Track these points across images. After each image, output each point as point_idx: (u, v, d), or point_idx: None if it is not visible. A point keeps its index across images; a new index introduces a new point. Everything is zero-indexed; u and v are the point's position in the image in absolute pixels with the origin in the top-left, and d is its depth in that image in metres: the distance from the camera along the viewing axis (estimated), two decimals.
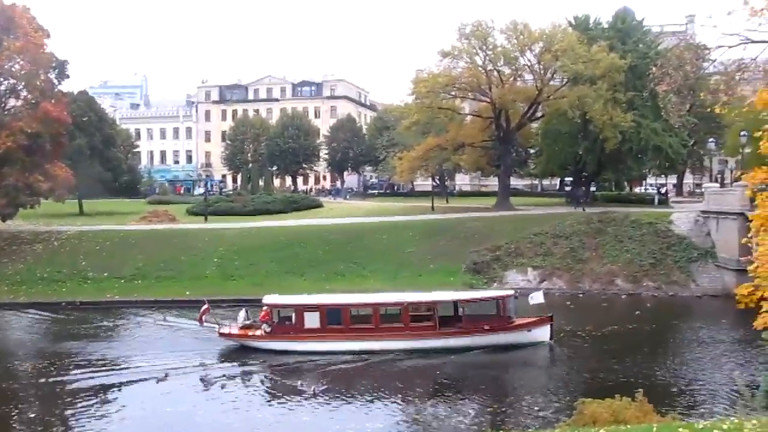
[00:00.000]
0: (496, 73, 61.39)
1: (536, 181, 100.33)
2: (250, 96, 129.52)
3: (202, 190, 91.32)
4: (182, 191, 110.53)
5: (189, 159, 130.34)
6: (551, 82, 62.35)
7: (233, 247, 52.53)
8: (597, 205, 64.50)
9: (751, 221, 17.91)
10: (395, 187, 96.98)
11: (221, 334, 33.50)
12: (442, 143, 63.77)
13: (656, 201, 67.08)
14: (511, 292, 36.02)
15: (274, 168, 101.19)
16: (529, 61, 62.10)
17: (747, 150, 49.15)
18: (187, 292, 45.19)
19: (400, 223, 58.42)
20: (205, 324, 34.15)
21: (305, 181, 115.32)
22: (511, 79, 63.08)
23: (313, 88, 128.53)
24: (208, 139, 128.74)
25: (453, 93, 63.74)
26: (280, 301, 34.79)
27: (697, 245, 48.40)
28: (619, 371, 28.81)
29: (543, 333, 32.80)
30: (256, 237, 54.74)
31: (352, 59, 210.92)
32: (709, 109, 44.18)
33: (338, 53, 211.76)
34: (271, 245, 52.83)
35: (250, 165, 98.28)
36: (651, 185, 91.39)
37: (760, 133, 18.16)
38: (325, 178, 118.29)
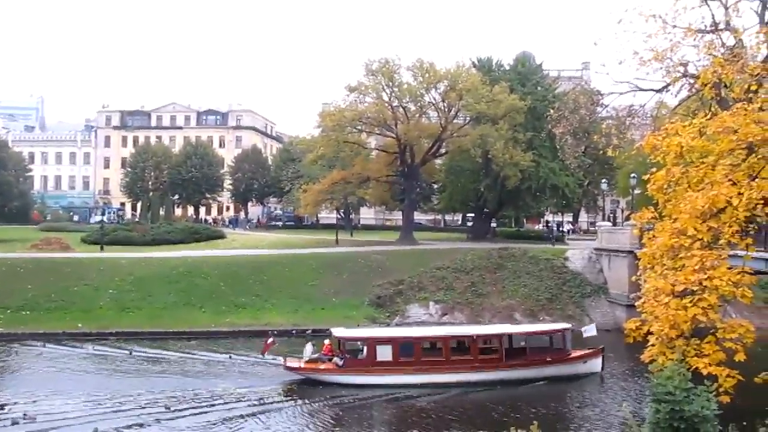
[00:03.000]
0: (401, 109, 62.42)
1: (439, 216, 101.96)
2: (153, 123, 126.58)
3: (99, 218, 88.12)
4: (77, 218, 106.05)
5: (86, 185, 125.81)
6: (455, 120, 63.93)
7: (130, 277, 50.65)
8: (497, 240, 66.10)
9: (639, 259, 18.80)
10: (300, 220, 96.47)
11: (288, 368, 32.59)
12: (348, 177, 64.03)
13: (553, 238, 69.31)
14: (569, 325, 36.65)
15: (176, 197, 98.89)
16: (434, 98, 63.53)
17: (636, 191, 51.69)
18: (79, 324, 43.48)
19: (303, 255, 57.99)
20: (267, 356, 33.73)
21: (208, 212, 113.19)
22: (417, 115, 64.23)
23: (218, 117, 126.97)
24: (107, 166, 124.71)
25: (359, 127, 64.35)
26: (350, 334, 34.74)
27: (590, 281, 50.44)
28: (515, 400, 29.43)
29: (596, 364, 33.39)
30: (155, 267, 53.06)
31: (259, 90, 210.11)
32: (601, 152, 46.41)
33: (245, 83, 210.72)
34: (170, 276, 51.33)
35: (151, 193, 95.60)
36: (548, 223, 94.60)
37: (648, 176, 19.22)
38: (228, 208, 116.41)
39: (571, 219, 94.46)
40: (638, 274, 19.00)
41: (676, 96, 29.10)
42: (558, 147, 49.30)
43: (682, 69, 25.47)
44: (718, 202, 16.60)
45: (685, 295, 15.64)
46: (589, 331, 34.89)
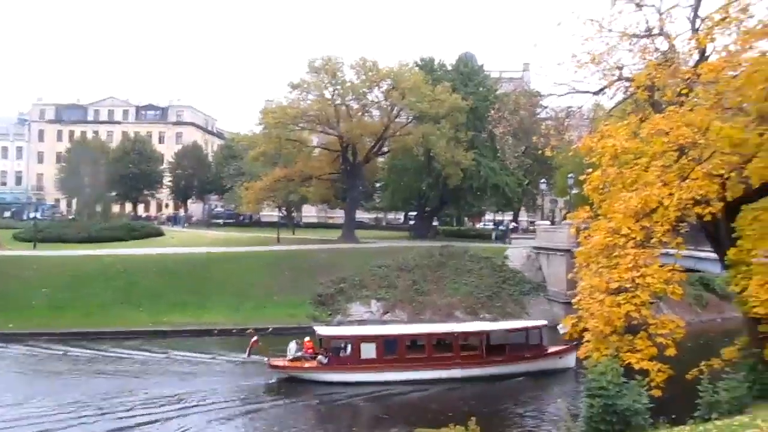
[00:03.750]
0: (344, 107, 62.40)
1: (382, 215, 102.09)
2: (90, 117, 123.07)
3: (32, 215, 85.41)
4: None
5: (18, 181, 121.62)
6: (397, 119, 64.23)
7: (64, 276, 49.32)
8: (439, 239, 66.65)
9: (576, 257, 19.24)
10: (241, 217, 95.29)
11: (272, 366, 32.69)
12: (290, 174, 63.66)
13: (494, 236, 70.24)
14: (545, 321, 37.27)
15: (114, 194, 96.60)
16: (377, 97, 63.73)
17: (574, 191, 52.76)
18: (10, 325, 42.25)
19: (244, 253, 57.50)
20: (251, 356, 33.32)
21: (147, 209, 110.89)
22: (359, 114, 64.34)
23: (158, 112, 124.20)
24: (41, 161, 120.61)
25: (301, 125, 64.00)
26: (334, 333, 35.45)
27: (529, 279, 51.36)
28: (454, 399, 29.79)
29: (571, 359, 33.63)
30: (91, 266, 51.79)
31: (201, 86, 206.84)
32: (540, 152, 47.28)
33: (186, 78, 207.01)
34: (107, 275, 50.20)
35: (87, 190, 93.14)
36: (490, 221, 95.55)
37: (584, 176, 19.68)
38: (167, 205, 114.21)
39: (511, 218, 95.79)
40: (575, 272, 19.42)
41: (612, 98, 29.80)
42: (498, 147, 49.97)
43: (617, 72, 26.00)
44: (650, 202, 17.10)
45: (618, 293, 16.07)
46: (564, 327, 35.67)
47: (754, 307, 15.82)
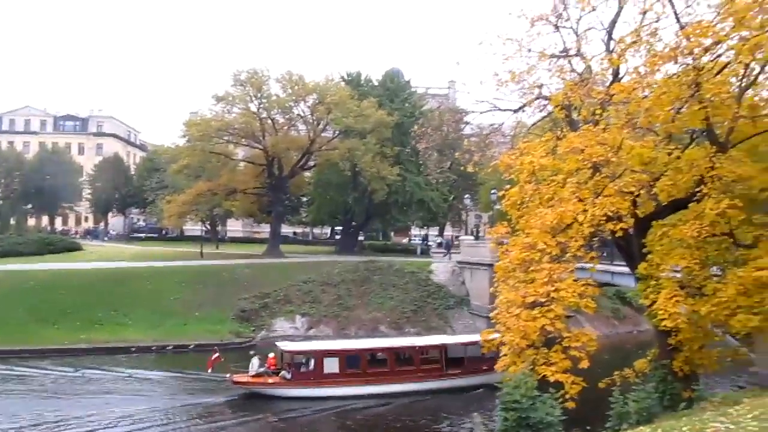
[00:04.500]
0: (270, 121, 61.97)
1: (309, 229, 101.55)
2: (5, 127, 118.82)
3: None
4: None
5: None
6: (323, 134, 64.16)
7: None
8: (366, 253, 66.67)
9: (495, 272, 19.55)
10: (163, 231, 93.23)
11: (235, 382, 32.18)
12: (214, 188, 62.66)
13: (419, 251, 70.76)
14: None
15: (29, 206, 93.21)
16: (302, 111, 63.58)
17: (497, 206, 53.65)
18: None
19: (166, 268, 56.14)
20: (211, 372, 32.84)
21: (65, 222, 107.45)
22: (285, 127, 64.06)
23: (77, 123, 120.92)
24: None
25: (226, 138, 63.18)
26: (297, 348, 35.16)
27: (453, 293, 51.89)
28: (415, 412, 30.32)
29: None
30: (3, 281, 49.71)
31: (123, 97, 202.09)
32: (461, 168, 48.03)
33: (107, 89, 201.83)
34: (21, 291, 48.13)
35: (1, 202, 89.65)
36: (416, 236, 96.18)
37: (502, 192, 20.06)
38: (87, 219, 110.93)
39: (437, 233, 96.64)
40: (494, 286, 19.72)
41: (531, 116, 30.53)
42: (421, 162, 50.44)
43: (537, 91, 26.64)
44: (565, 218, 17.54)
45: (534, 307, 16.38)
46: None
47: (662, 320, 16.36)
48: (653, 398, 16.07)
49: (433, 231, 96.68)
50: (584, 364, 16.35)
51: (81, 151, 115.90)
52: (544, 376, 16.35)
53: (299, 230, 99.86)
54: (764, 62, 17.06)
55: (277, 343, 36.37)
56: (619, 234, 18.28)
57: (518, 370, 16.36)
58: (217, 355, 33.47)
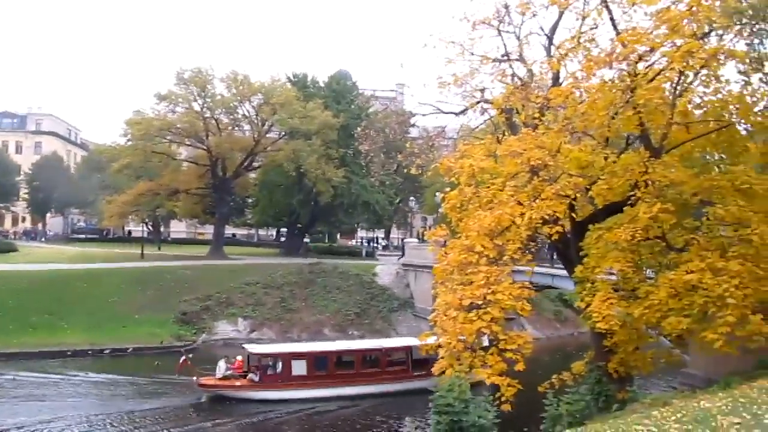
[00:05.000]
0: (213, 121, 61.19)
1: (255, 231, 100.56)
2: None
3: None
4: None
5: None
6: (269, 135, 63.65)
7: None
8: (311, 256, 66.27)
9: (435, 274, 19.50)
10: (105, 233, 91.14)
11: (201, 385, 32.04)
12: (155, 188, 61.54)
13: (364, 253, 70.73)
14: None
15: None
16: (247, 111, 63.00)
17: (441, 209, 53.93)
18: None
19: (104, 270, 54.87)
20: (180, 376, 32.89)
21: (1, 223, 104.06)
22: (230, 128, 63.38)
23: (15, 120, 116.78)
24: None
25: (169, 138, 62.14)
26: (265, 350, 35.08)
27: (398, 296, 51.98)
28: (381, 413, 30.51)
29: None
30: None
31: (63, 94, 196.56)
32: (405, 170, 48.13)
33: (47, 86, 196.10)
34: None
35: None
36: (362, 239, 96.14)
37: (441, 195, 20.05)
38: (24, 219, 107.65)
39: (383, 235, 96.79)
40: (433, 288, 19.70)
41: (475, 120, 30.67)
42: (363, 164, 50.31)
43: (479, 94, 26.76)
44: (503, 221, 17.57)
45: (471, 309, 16.37)
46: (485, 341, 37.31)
47: (596, 322, 16.52)
48: (586, 400, 16.21)
49: (380, 234, 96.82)
50: (520, 366, 16.40)
51: (19, 149, 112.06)
52: (480, 379, 16.37)
53: (244, 232, 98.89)
54: (696, 69, 17.41)
55: (244, 345, 36.38)
56: (555, 237, 18.43)
57: (455, 373, 16.34)
58: (184, 358, 33.28)
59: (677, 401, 13.48)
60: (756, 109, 18.54)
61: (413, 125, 39.44)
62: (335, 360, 34.26)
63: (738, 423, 7.72)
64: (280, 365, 33.29)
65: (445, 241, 20.25)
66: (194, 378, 32.31)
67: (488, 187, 19.84)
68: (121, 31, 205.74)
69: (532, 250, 19.32)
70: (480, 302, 16.20)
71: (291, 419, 30.22)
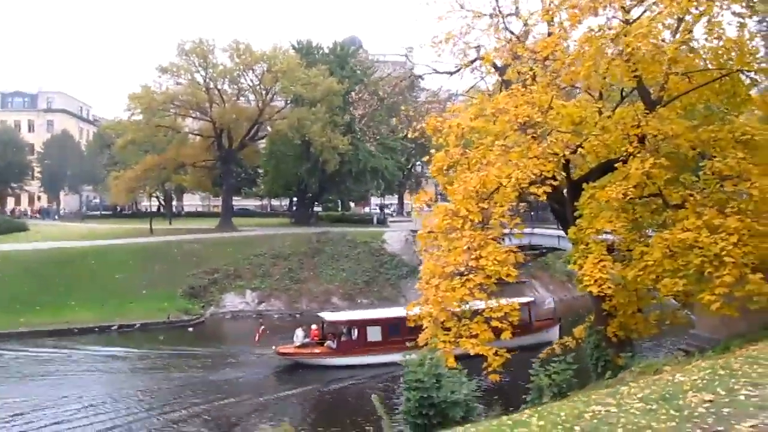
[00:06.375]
0: (217, 91, 60.28)
1: (267, 202, 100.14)
2: None
3: None
4: None
5: None
6: (274, 103, 62.68)
7: None
8: (322, 224, 65.68)
9: (417, 241, 18.65)
10: (118, 209, 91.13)
11: (280, 353, 33.14)
12: (162, 162, 60.99)
13: (375, 221, 69.94)
14: (532, 298, 40.22)
15: None
16: (251, 81, 61.91)
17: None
18: None
19: (113, 246, 54.58)
20: (259, 343, 33.92)
21: (18, 202, 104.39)
22: (234, 98, 62.43)
23: (26, 99, 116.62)
24: None
25: (172, 110, 61.34)
26: (340, 318, 36.17)
27: (407, 262, 51.17)
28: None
29: (555, 333, 34.44)
30: None
31: (74, 71, 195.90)
32: (401, 134, 47.00)
33: (58, 63, 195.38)
34: None
35: None
36: (377, 206, 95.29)
37: (427, 157, 19.12)
38: (39, 198, 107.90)
39: (396, 201, 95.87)
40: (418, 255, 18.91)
41: (473, 79, 29.53)
42: (358, 129, 49.39)
43: (473, 53, 25.62)
44: (488, 183, 16.65)
45: (454, 277, 15.56)
46: (549, 303, 39.74)
47: (587, 286, 15.65)
48: (574, 369, 15.37)
49: (393, 200, 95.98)
50: (506, 335, 15.63)
51: (31, 128, 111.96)
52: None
53: (257, 203, 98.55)
54: (697, 16, 16.24)
55: (319, 314, 37.29)
56: (543, 198, 17.44)
57: (440, 344, 15.58)
58: (263, 327, 35.07)
59: (670, 368, 12.60)
60: (759, 55, 17.37)
61: (421, 89, 38.39)
62: (408, 325, 34.15)
63: (709, 400, 6.87)
64: (355, 332, 33.99)
65: (430, 206, 19.34)
66: (273, 347, 33.42)
67: (477, 147, 18.91)
68: (131, 3, 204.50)
69: (522, 212, 18.34)
70: (462, 269, 15.36)
71: (371, 383, 30.22)
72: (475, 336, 15.63)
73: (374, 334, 33.62)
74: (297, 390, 29.80)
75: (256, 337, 34.01)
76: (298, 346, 33.53)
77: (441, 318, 15.52)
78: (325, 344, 33.74)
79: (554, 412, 7.75)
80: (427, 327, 16.13)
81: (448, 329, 16.27)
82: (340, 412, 26.74)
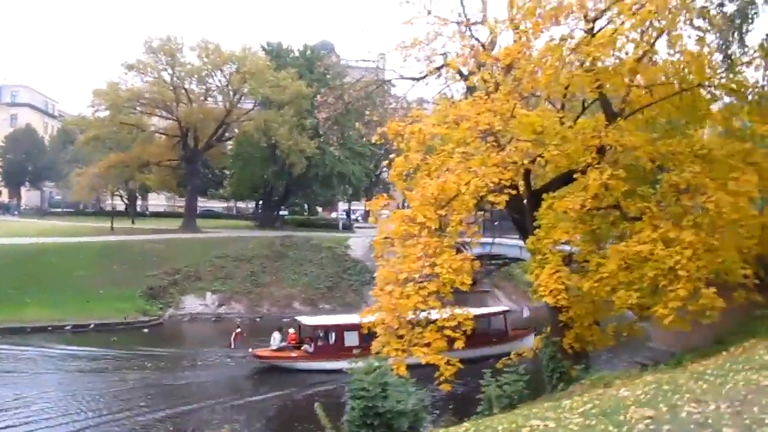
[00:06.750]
0: (184, 90, 59.50)
1: (233, 204, 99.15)
2: None
3: None
4: None
5: None
6: (242, 105, 62.05)
7: None
8: (287, 228, 65.11)
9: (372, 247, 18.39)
10: (81, 206, 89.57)
11: (256, 356, 32.89)
12: (126, 160, 59.87)
13: (341, 226, 69.61)
14: (507, 308, 41.01)
15: None
16: (219, 81, 61.30)
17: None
18: None
19: (71, 244, 53.48)
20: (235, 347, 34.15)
21: None
22: (201, 98, 61.65)
23: None
24: None
25: (138, 108, 60.44)
26: (318, 322, 35.95)
27: (370, 269, 50.63)
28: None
29: (530, 341, 33.06)
30: None
31: (40, 65, 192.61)
32: (364, 139, 46.76)
33: (22, 57, 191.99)
34: None
35: None
36: (344, 212, 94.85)
37: (386, 162, 18.86)
38: (0, 193, 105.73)
39: (363, 207, 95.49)
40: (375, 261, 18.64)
41: (439, 86, 29.37)
42: (321, 132, 49.23)
43: (440, 59, 25.50)
44: (447, 189, 16.45)
45: (407, 284, 15.31)
46: (526, 312, 38.93)
47: (542, 296, 15.52)
48: (525, 381, 15.22)
49: (361, 206, 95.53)
50: (459, 344, 15.42)
51: None
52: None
53: (223, 205, 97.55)
54: (659, 30, 16.25)
55: (297, 317, 37.09)
56: (502, 206, 17.29)
57: (392, 351, 15.33)
58: (239, 330, 35.13)
59: (620, 381, 12.49)
60: (719, 70, 17.40)
61: (393, 95, 38.16)
62: None
63: (650, 417, 6.68)
64: (333, 336, 33.78)
65: (387, 212, 19.10)
66: (249, 350, 33.20)
67: (438, 153, 18.74)
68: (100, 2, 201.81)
69: (485, 221, 18.18)
70: (416, 276, 15.12)
71: (342, 389, 29.49)
72: (428, 345, 15.38)
73: (351, 338, 33.05)
74: (258, 397, 29.13)
75: (232, 342, 33.96)
76: (275, 350, 33.40)
77: (394, 325, 15.25)
78: (302, 348, 33.65)
79: (493, 425, 7.53)
80: (380, 334, 15.85)
81: (402, 337, 16.06)
82: (297, 417, 26.28)
